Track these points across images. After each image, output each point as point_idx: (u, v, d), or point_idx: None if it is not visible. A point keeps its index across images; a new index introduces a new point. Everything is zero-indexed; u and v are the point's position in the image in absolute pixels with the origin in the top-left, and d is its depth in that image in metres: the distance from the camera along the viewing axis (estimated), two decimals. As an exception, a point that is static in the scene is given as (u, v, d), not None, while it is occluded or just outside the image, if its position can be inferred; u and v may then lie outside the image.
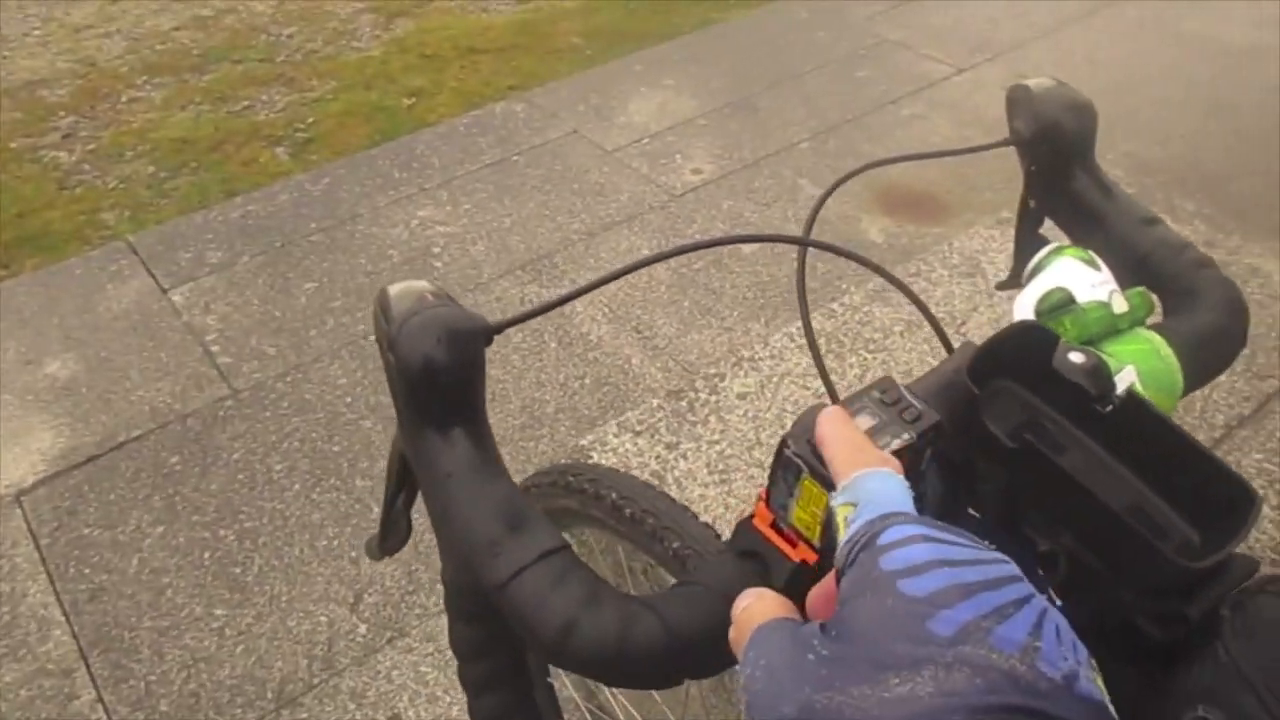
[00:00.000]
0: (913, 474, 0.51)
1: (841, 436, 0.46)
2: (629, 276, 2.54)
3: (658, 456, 1.44)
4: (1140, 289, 0.69)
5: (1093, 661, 0.35)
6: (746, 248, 2.61)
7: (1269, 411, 1.56)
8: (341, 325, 2.42)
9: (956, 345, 0.61)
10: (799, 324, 1.78)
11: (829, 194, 0.71)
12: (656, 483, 1.44)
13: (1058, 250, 0.73)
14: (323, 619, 1.76)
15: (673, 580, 0.99)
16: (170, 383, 2.27)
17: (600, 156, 3.01)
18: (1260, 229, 2.01)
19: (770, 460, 0.50)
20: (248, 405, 2.20)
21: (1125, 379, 0.64)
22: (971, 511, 0.56)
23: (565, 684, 1.22)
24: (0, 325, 2.46)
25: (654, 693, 1.19)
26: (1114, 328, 0.66)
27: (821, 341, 1.68)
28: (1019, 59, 3.41)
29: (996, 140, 0.79)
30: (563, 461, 1.42)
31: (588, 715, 1.33)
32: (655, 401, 1.55)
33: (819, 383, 1.60)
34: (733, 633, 0.43)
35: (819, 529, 0.48)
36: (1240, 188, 2.45)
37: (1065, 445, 0.54)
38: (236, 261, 2.65)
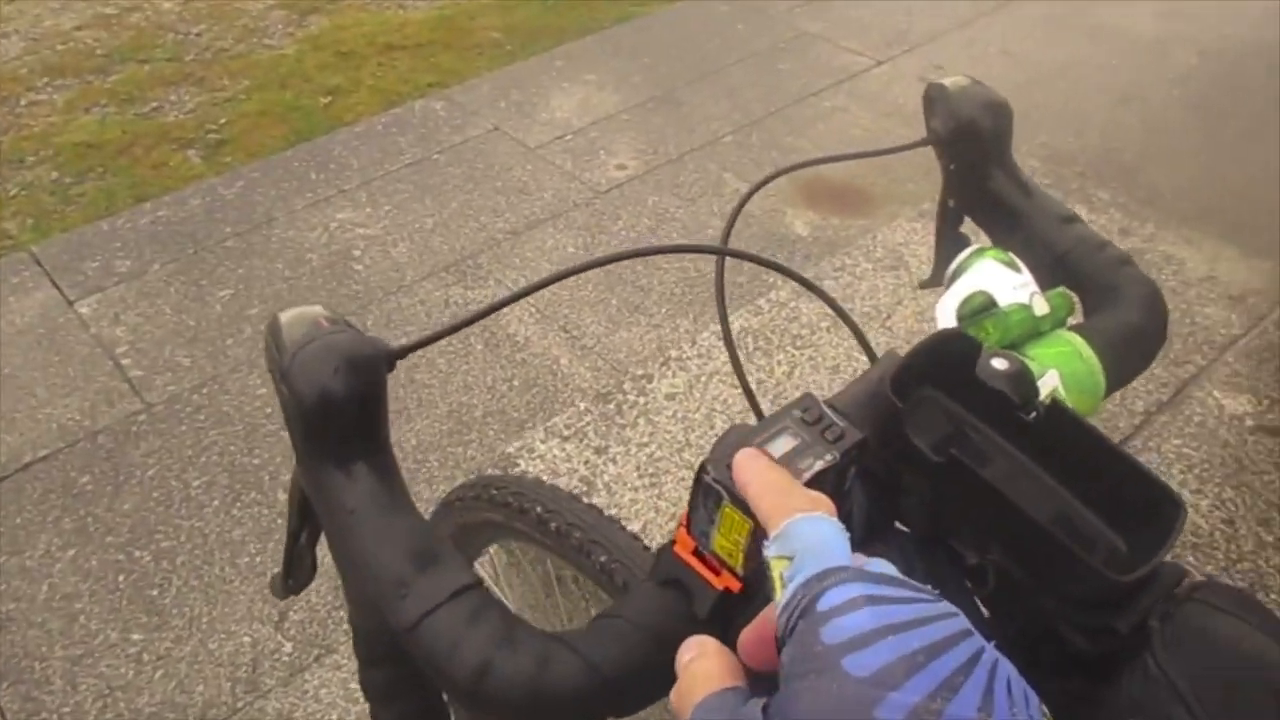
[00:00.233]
0: (838, 494, 0.49)
1: (764, 480, 0.44)
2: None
3: (586, 462, 1.41)
4: (1061, 290, 0.69)
5: (1044, 708, 0.34)
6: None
7: (1186, 397, 1.59)
8: (259, 333, 2.34)
9: (880, 353, 0.60)
10: (726, 322, 1.77)
11: (744, 202, 0.69)
12: (586, 488, 1.42)
13: (978, 252, 0.72)
14: (246, 639, 1.71)
15: (603, 594, 0.97)
16: (79, 398, 2.18)
17: (523, 154, 2.97)
18: (1173, 217, 2.05)
19: (693, 479, 0.48)
20: (162, 419, 2.12)
21: (1048, 383, 0.63)
22: (899, 525, 0.55)
23: None
24: (-106, 343, 2.34)
25: None
26: (1036, 330, 0.66)
27: (748, 339, 1.68)
28: (935, 51, 3.45)
29: (914, 140, 0.78)
30: (487, 473, 1.39)
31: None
32: (583, 405, 1.52)
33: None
34: (674, 695, 0.41)
35: (742, 556, 0.46)
36: (1151, 177, 2.51)
37: (990, 455, 0.53)
38: (147, 270, 2.55)
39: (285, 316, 0.53)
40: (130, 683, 1.65)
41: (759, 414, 0.66)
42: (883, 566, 0.38)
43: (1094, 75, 3.25)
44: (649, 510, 1.36)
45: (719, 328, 1.75)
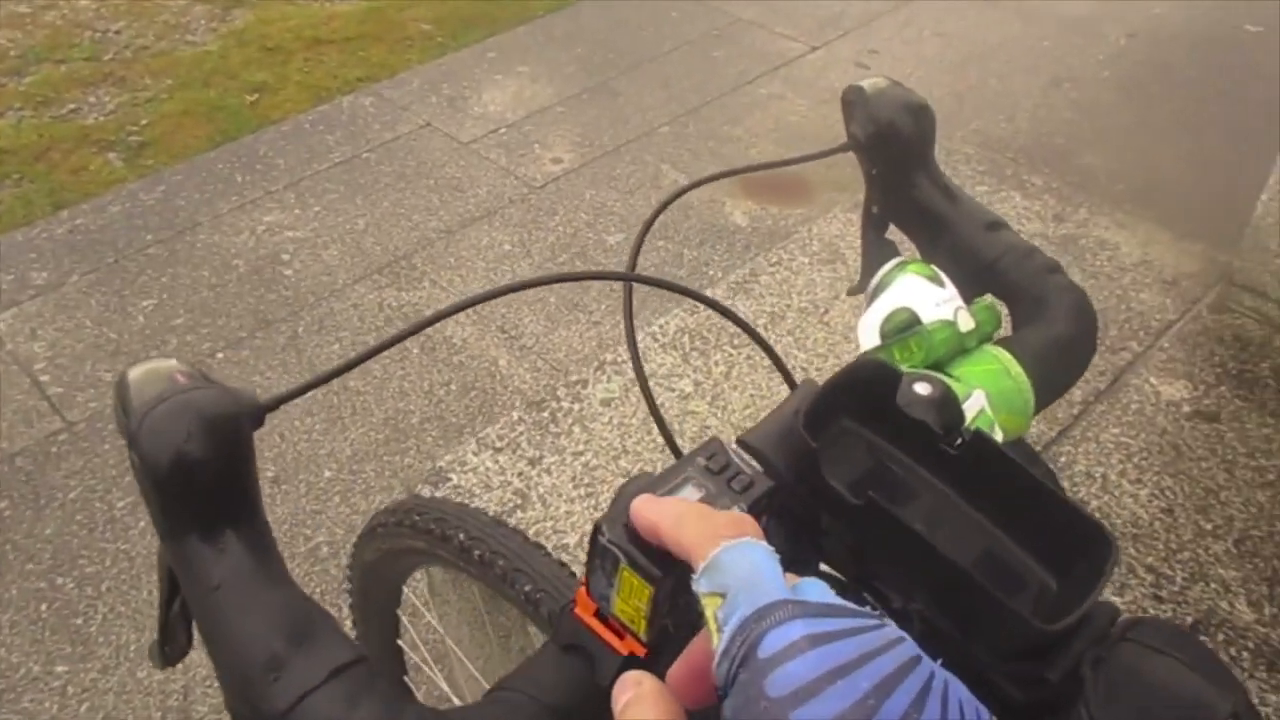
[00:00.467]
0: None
1: (674, 514, 0.41)
2: (489, 274, 2.46)
3: (520, 474, 1.37)
4: (988, 303, 0.66)
5: None
6: (611, 239, 2.56)
7: (1124, 385, 1.59)
8: (186, 344, 2.27)
9: (800, 379, 0.57)
10: (662, 321, 1.74)
11: (648, 227, 0.66)
12: (520, 501, 1.38)
13: (901, 266, 0.69)
14: (177, 666, 1.65)
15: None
16: (-5, 418, 2.09)
17: (456, 149, 2.90)
18: (1106, 201, 2.05)
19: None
20: (84, 438, 2.04)
21: (975, 405, 0.61)
22: (824, 568, 0.52)
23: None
24: None
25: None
26: (961, 347, 0.63)
27: (685, 339, 1.64)
28: (869, 34, 3.44)
29: (834, 146, 0.75)
30: (413, 494, 1.34)
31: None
32: (516, 414, 1.48)
33: (683, 383, 1.56)
34: None
35: (644, 623, 0.42)
36: (1084, 161, 2.52)
37: (913, 491, 0.51)
38: (65, 281, 2.46)
39: (134, 373, 0.48)
40: (55, 718, 1.58)
41: (674, 449, 0.63)
42: (819, 592, 0.37)
43: (1026, 56, 3.26)
44: (585, 522, 1.32)
45: (654, 329, 1.72)
